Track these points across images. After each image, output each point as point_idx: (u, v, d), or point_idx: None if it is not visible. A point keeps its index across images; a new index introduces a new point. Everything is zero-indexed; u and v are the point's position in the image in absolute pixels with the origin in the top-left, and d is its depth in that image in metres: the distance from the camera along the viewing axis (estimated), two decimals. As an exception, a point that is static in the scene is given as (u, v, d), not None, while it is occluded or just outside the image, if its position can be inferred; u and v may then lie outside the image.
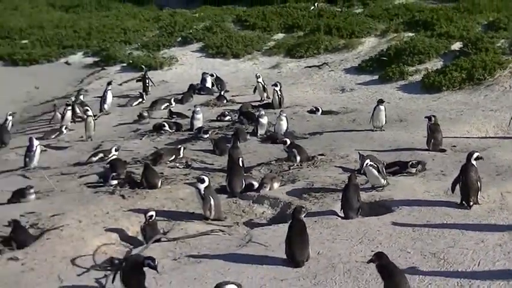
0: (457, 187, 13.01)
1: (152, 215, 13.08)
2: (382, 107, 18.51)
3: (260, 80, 23.37)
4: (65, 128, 20.95)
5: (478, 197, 12.83)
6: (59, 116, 22.19)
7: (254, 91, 23.36)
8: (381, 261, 9.67)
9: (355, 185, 12.64)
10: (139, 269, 10.92)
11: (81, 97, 24.36)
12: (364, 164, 13.39)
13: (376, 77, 24.22)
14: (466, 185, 12.84)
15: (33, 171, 17.20)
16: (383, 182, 13.53)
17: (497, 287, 9.84)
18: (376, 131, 18.25)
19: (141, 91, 25.28)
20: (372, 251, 11.38)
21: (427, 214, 12.64)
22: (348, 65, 25.96)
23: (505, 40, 23.82)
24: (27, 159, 17.60)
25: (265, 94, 22.88)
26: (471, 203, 12.74)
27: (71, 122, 21.67)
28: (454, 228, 11.99)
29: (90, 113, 21.00)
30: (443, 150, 16.15)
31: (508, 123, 17.41)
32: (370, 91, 22.99)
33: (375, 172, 13.31)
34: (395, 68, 23.92)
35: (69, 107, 21.74)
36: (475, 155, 13.07)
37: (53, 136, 20.43)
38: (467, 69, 21.99)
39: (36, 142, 17.91)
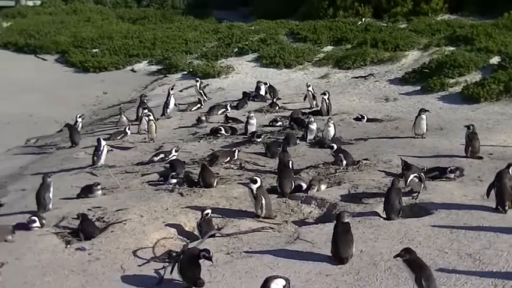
0: (492, 192, 12.92)
1: (208, 213, 13.17)
2: (423, 116, 18.41)
3: (310, 88, 23.37)
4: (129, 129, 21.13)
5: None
6: (124, 119, 22.35)
7: (304, 99, 23.36)
8: (411, 256, 9.82)
9: (397, 188, 12.62)
10: (196, 261, 11.00)
11: (146, 102, 24.46)
12: (409, 180, 13.41)
13: (418, 87, 24.11)
14: (501, 191, 12.75)
15: (100, 169, 17.38)
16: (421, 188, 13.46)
17: (528, 287, 9.83)
18: (417, 138, 18.16)
19: (200, 97, 25.37)
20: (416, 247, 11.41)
21: (464, 217, 12.58)
22: (392, 76, 25.83)
23: (541, 54, 23.66)
24: (95, 158, 17.79)
25: (314, 102, 22.87)
26: (506, 208, 12.65)
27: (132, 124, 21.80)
28: (490, 231, 11.93)
29: (152, 117, 21.12)
30: (480, 158, 16.03)
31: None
32: (412, 101, 22.88)
33: (417, 180, 13.27)
34: (436, 80, 23.78)
35: (147, 114, 21.62)
36: None
37: (119, 137, 20.59)
38: (505, 82, 21.82)
39: (103, 142, 18.07)
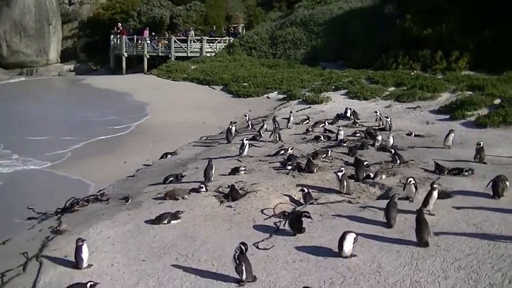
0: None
1: (306, 190, 13.12)
2: (451, 134, 18.05)
3: (378, 113, 23.05)
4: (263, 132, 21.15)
5: (504, 192, 12.51)
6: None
7: (375, 120, 22.97)
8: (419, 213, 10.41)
9: (395, 202, 11.49)
10: (300, 218, 10.99)
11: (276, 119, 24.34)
12: (408, 181, 12.81)
13: (448, 116, 23.53)
14: (495, 185, 12.57)
15: (243, 158, 17.43)
16: (414, 196, 12.71)
17: None
18: (446, 148, 17.73)
19: (307, 116, 25.22)
20: (438, 220, 11.17)
21: (472, 200, 12.27)
22: (432, 108, 25.24)
23: (530, 99, 23.08)
24: (240, 151, 17.84)
25: (381, 122, 22.46)
26: (499, 195, 12.46)
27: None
28: (488, 210, 11.70)
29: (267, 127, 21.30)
30: (485, 163, 15.55)
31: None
32: (443, 125, 22.28)
33: (413, 189, 12.70)
34: (459, 112, 23.22)
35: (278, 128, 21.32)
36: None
37: (257, 138, 20.59)
38: (503, 116, 21.37)
39: (246, 141, 18.15)
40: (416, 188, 12.63)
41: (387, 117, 21.81)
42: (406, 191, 12.76)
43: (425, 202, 11.80)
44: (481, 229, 10.68)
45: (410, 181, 12.73)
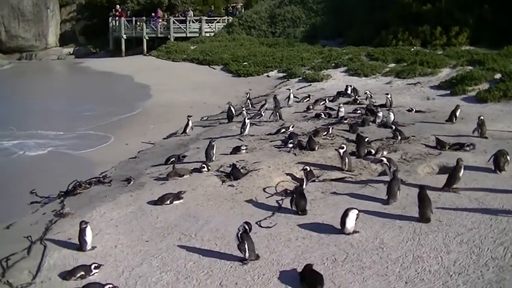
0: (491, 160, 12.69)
1: (307, 168, 13.07)
2: (459, 109, 18.16)
3: (368, 92, 22.55)
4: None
5: (505, 166, 12.47)
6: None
7: (366, 99, 22.66)
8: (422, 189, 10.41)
9: (397, 179, 11.52)
10: (303, 194, 11.02)
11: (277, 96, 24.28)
12: (383, 159, 12.79)
13: (448, 92, 23.45)
14: (497, 159, 12.55)
15: (244, 137, 17.41)
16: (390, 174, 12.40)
17: None
18: (449, 124, 17.74)
19: (307, 93, 25.16)
20: (439, 195, 11.17)
21: (474, 175, 12.24)
22: (432, 84, 25.16)
23: (528, 73, 22.99)
24: (242, 130, 17.82)
25: (372, 100, 22.17)
26: (501, 169, 12.43)
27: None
28: (489, 184, 11.74)
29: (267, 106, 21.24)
30: (486, 138, 15.48)
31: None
32: (444, 100, 22.27)
33: (387, 168, 12.52)
34: (460, 87, 23.14)
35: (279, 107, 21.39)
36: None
37: (257, 117, 20.57)
38: (504, 90, 21.26)
39: (247, 120, 18.13)
40: (390, 167, 12.50)
41: (387, 94, 21.75)
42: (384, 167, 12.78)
43: (455, 178, 11.74)
44: (483, 204, 10.68)
45: (382, 160, 12.77)
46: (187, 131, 19.77)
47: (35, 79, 41.80)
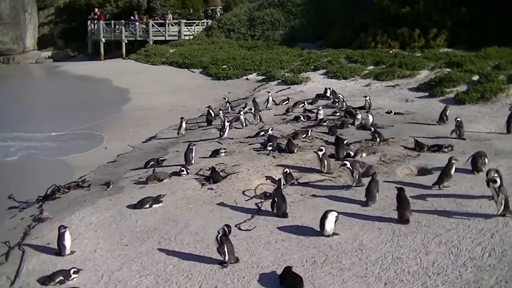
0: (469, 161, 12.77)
1: (287, 171, 13.13)
2: (448, 110, 18.43)
3: (341, 96, 22.81)
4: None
5: (483, 167, 12.52)
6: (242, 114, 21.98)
7: (338, 102, 22.70)
8: (400, 191, 10.40)
9: (376, 181, 11.60)
10: (283, 197, 11.04)
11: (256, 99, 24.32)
12: (346, 163, 12.75)
13: (427, 94, 23.64)
14: (475, 160, 12.67)
15: (224, 140, 17.41)
16: (353, 183, 12.58)
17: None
18: (436, 125, 17.99)
19: (287, 96, 25.20)
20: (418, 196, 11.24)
21: (453, 175, 12.17)
22: (411, 86, 25.33)
23: (504, 75, 23.05)
24: (221, 133, 17.82)
25: (344, 104, 22.29)
26: (478, 171, 12.53)
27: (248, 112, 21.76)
28: (467, 185, 11.85)
29: (253, 110, 21.23)
30: (464, 139, 15.66)
31: (504, 125, 16.80)
32: (422, 102, 22.46)
33: (350, 172, 12.61)
34: (438, 89, 23.32)
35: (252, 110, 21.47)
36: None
37: (236, 120, 20.55)
38: (481, 92, 21.49)
39: (227, 123, 18.13)
40: (352, 171, 12.55)
41: (366, 96, 21.88)
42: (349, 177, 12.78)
43: (447, 175, 11.92)
44: (461, 204, 10.77)
45: (345, 164, 12.76)
46: (181, 132, 19.71)
47: (12, 83, 41.35)
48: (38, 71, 51.32)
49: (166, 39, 49.81)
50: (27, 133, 22.46)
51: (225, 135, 17.66)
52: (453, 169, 11.92)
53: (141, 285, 8.67)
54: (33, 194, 14.00)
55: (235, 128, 19.15)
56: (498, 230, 9.47)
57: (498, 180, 9.93)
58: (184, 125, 19.86)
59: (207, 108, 21.76)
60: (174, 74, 38.65)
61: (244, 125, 19.72)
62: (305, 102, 23.32)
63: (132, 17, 51.70)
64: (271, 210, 11.12)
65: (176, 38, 49.82)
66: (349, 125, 18.35)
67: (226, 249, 8.90)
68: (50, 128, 23.43)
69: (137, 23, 51.07)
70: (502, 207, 9.86)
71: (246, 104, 23.19)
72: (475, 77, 23.92)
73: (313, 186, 12.81)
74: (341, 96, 22.68)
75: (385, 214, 10.58)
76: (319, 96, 24.69)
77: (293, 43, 42.31)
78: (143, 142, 20.08)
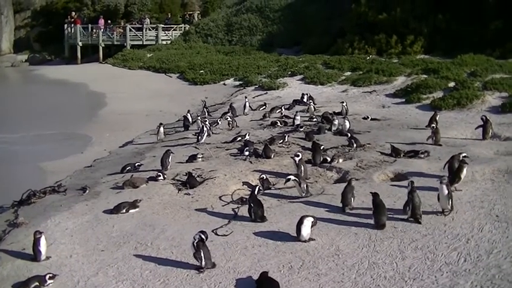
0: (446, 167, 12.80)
1: (264, 177, 13.22)
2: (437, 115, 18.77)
3: (312, 103, 23.00)
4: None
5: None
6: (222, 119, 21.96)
7: (307, 110, 22.81)
8: (375, 197, 10.45)
9: (352, 186, 11.64)
10: (259, 202, 11.05)
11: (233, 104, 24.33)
12: (290, 177, 12.45)
13: (403, 100, 23.84)
14: (451, 166, 12.68)
15: (201, 145, 17.37)
16: (301, 194, 12.46)
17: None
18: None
19: (263, 102, 25.24)
20: (394, 202, 11.28)
21: (429, 182, 12.34)
22: (387, 92, 25.54)
23: (480, 82, 23.34)
24: (199, 137, 17.76)
25: (313, 112, 22.39)
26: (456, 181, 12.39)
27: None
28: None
29: (230, 114, 21.28)
30: (440, 145, 15.82)
31: (481, 132, 17.00)
32: (399, 108, 22.66)
33: (297, 185, 12.37)
34: (415, 95, 23.52)
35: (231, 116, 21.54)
36: (462, 154, 13.08)
37: (214, 125, 20.53)
38: (457, 98, 21.71)
39: (205, 128, 18.10)
40: (300, 183, 12.43)
41: (343, 102, 21.99)
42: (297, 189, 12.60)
43: (457, 178, 11.98)
44: (437, 210, 10.85)
45: (289, 179, 12.48)
46: (160, 137, 19.65)
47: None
48: (14, 75, 50.85)
49: (144, 43, 49.69)
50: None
51: (202, 140, 17.63)
52: (464, 172, 12.03)
53: (117, 290, 8.62)
54: (8, 198, 13.86)
55: (212, 133, 19.12)
56: (473, 235, 9.57)
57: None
58: (162, 129, 19.82)
59: (186, 113, 21.71)
60: (151, 79, 38.56)
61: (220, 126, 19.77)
62: (282, 108, 23.36)
63: (98, 23, 51.53)
64: (248, 215, 11.13)
65: (154, 42, 49.72)
66: (326, 131, 18.43)
67: (202, 255, 8.88)
68: (25, 132, 23.23)
69: (102, 28, 50.70)
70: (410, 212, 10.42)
71: (229, 109, 23.16)
72: (451, 84, 24.17)
73: (290, 192, 12.82)
74: (312, 107, 22.65)
75: (362, 219, 10.62)
76: (296, 102, 24.77)
77: (270, 49, 42.43)
78: (120, 147, 19.99)
